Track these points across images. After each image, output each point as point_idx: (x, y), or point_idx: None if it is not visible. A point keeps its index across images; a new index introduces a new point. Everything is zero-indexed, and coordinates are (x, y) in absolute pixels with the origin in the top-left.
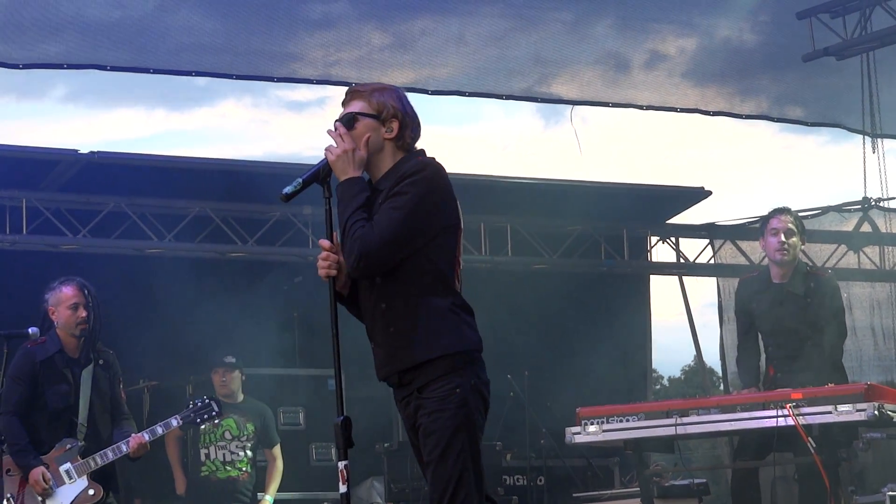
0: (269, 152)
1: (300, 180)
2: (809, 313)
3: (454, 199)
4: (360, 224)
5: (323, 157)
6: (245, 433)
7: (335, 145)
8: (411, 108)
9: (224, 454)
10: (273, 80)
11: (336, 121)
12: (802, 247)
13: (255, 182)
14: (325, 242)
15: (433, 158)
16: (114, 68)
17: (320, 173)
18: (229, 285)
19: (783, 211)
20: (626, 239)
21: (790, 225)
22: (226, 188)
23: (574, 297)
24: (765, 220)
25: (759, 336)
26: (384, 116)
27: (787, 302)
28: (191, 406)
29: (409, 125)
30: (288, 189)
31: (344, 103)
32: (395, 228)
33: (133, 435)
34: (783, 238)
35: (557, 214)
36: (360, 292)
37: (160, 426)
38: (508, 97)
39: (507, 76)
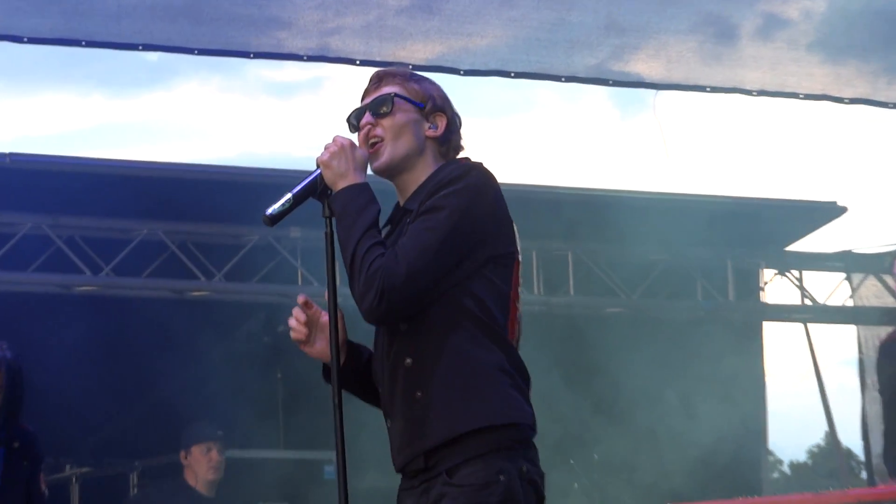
0: (246, 153)
1: (290, 196)
2: None
3: (509, 217)
4: (375, 250)
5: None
6: None
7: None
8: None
9: None
10: (249, 56)
11: (356, 112)
12: None
13: (225, 194)
14: (302, 298)
15: (479, 163)
16: (33, 40)
17: (317, 185)
18: (189, 335)
19: None
20: (730, 272)
21: None
22: (185, 203)
23: (659, 351)
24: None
25: None
26: (428, 108)
27: None
28: None
29: (457, 127)
30: (274, 209)
31: (368, 91)
32: (428, 256)
33: None
34: None
35: (637, 238)
36: (375, 347)
37: None
38: (570, 79)
39: (569, 50)
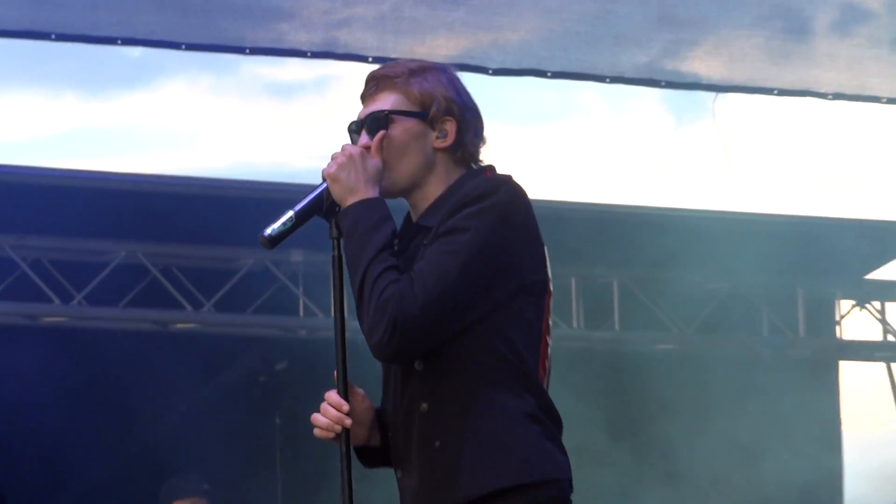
0: (240, 163)
1: (292, 213)
2: None
3: (541, 240)
4: (388, 275)
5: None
6: None
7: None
8: (470, 97)
9: None
10: (245, 52)
11: (353, 124)
12: None
13: (216, 211)
14: (333, 398)
15: (508, 177)
16: None
17: (324, 201)
18: (173, 374)
19: None
20: (801, 303)
21: None
22: (170, 221)
23: (718, 394)
24: None
25: None
26: (433, 114)
27: None
28: None
29: (471, 125)
30: (274, 228)
31: (365, 98)
32: (448, 283)
33: None
34: None
35: (693, 264)
36: (386, 387)
37: None
38: (616, 79)
39: (615, 46)
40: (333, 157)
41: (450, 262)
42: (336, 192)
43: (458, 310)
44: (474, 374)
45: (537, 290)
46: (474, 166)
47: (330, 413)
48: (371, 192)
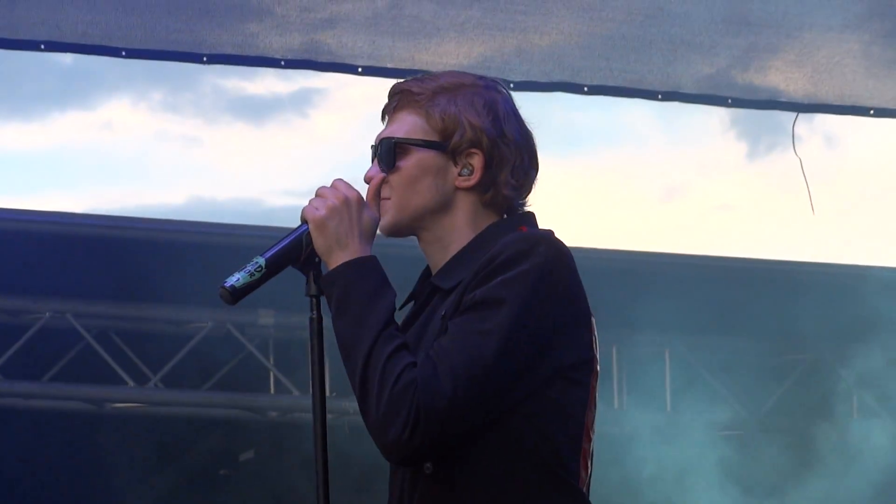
0: (198, 201)
1: (263, 261)
2: None
3: (588, 310)
4: (401, 358)
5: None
6: None
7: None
8: (516, 123)
9: None
10: (202, 60)
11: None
12: None
13: (165, 260)
14: None
15: (549, 232)
16: None
17: (302, 248)
18: (111, 466)
19: None
20: None
21: None
22: (108, 273)
23: (805, 487)
24: None
25: None
26: (455, 144)
27: None
28: None
29: (508, 161)
30: (238, 278)
31: (386, 114)
32: (484, 372)
33: None
34: None
35: (764, 327)
36: (393, 495)
37: None
38: (671, 96)
39: (670, 54)
40: (320, 195)
41: (484, 344)
42: (320, 244)
43: (491, 399)
44: (502, 480)
45: (579, 375)
46: (507, 214)
47: None
48: (364, 250)
